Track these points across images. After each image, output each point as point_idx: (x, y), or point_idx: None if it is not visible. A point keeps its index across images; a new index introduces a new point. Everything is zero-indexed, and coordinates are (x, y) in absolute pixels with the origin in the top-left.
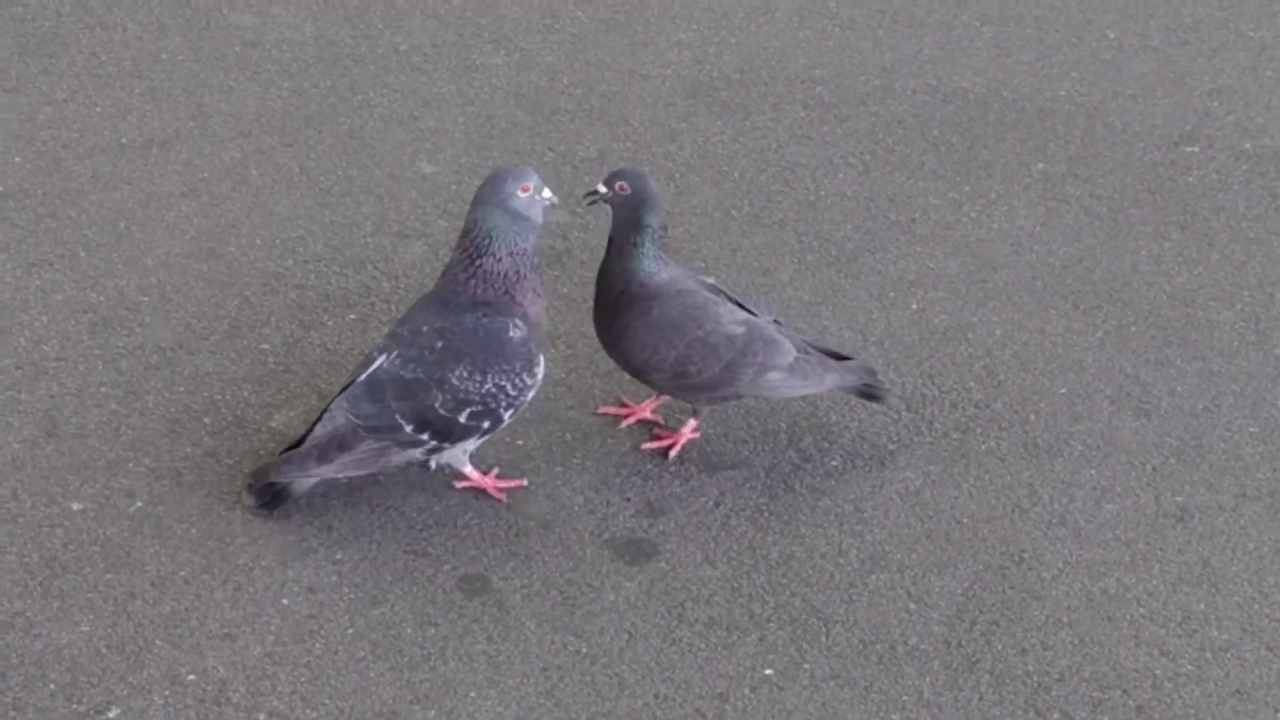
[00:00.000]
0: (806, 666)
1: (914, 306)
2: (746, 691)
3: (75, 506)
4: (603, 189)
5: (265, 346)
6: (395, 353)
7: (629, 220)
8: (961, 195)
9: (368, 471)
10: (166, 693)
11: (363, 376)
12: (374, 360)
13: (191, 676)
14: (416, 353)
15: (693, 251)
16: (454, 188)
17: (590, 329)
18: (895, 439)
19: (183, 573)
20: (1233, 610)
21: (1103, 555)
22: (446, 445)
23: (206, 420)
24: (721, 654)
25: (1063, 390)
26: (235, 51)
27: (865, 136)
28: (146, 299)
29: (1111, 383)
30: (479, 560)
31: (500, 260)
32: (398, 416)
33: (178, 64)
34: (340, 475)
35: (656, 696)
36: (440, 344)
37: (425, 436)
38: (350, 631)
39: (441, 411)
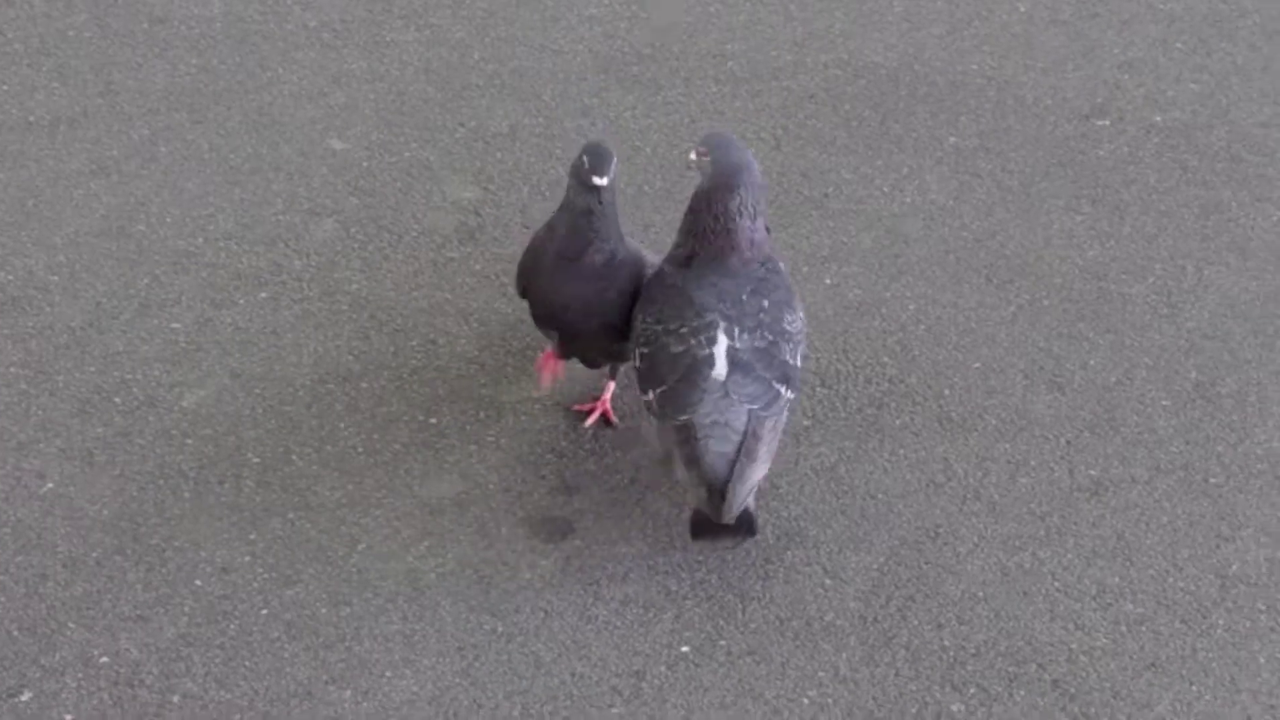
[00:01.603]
0: (723, 643)
1: (827, 281)
2: (663, 669)
3: None
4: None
5: (176, 325)
6: (735, 330)
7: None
8: (874, 170)
9: (772, 457)
10: (79, 675)
11: (718, 370)
12: (699, 355)
13: (104, 659)
14: (753, 321)
15: None
16: (365, 164)
17: (502, 305)
18: (810, 415)
19: (95, 554)
20: (1147, 583)
21: (1017, 529)
22: (793, 394)
23: (118, 400)
24: (638, 631)
25: (976, 365)
26: (143, 28)
27: (777, 111)
28: (55, 278)
29: (1024, 357)
30: (393, 539)
31: (763, 222)
32: (774, 383)
33: (85, 41)
34: (767, 469)
35: (573, 674)
36: (766, 302)
37: (786, 390)
38: (264, 612)
39: (790, 360)
